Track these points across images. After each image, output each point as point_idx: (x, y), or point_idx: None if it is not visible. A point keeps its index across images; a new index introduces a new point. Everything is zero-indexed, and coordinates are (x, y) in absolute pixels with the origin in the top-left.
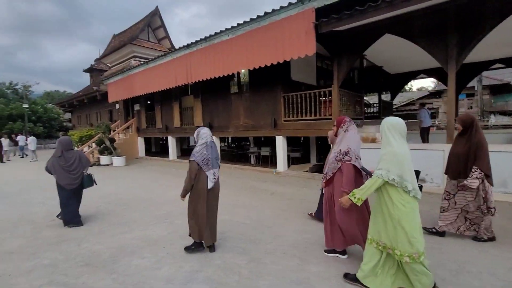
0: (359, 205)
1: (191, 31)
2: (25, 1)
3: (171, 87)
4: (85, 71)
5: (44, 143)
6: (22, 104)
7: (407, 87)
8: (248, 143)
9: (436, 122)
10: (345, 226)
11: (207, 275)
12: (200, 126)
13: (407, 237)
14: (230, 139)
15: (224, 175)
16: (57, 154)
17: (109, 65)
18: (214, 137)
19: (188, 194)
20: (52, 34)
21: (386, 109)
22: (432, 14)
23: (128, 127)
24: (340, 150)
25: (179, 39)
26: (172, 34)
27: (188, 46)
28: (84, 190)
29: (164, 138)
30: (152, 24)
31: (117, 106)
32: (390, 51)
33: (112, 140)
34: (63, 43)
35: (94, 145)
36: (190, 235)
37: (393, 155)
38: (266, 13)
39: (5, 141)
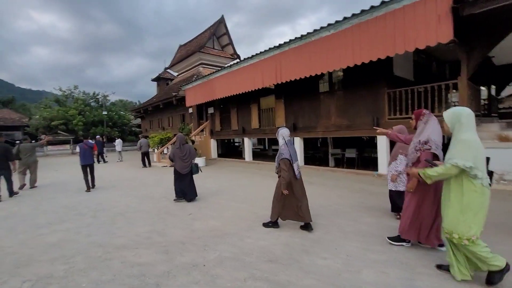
0: (428, 182)
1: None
2: (93, 23)
3: (257, 89)
4: (153, 80)
5: None
6: (102, 111)
7: None
8: (319, 145)
9: None
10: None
11: (426, 284)
12: (279, 127)
13: (469, 222)
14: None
15: (319, 177)
16: (176, 146)
17: (175, 74)
18: (298, 138)
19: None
20: (113, 51)
21: (492, 105)
22: None
23: (202, 130)
24: (420, 140)
25: None
26: None
27: (279, 46)
28: (196, 185)
29: (226, 140)
30: (217, 32)
31: (190, 110)
32: None
33: (193, 142)
34: (121, 58)
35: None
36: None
37: (469, 144)
38: (383, 2)
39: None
